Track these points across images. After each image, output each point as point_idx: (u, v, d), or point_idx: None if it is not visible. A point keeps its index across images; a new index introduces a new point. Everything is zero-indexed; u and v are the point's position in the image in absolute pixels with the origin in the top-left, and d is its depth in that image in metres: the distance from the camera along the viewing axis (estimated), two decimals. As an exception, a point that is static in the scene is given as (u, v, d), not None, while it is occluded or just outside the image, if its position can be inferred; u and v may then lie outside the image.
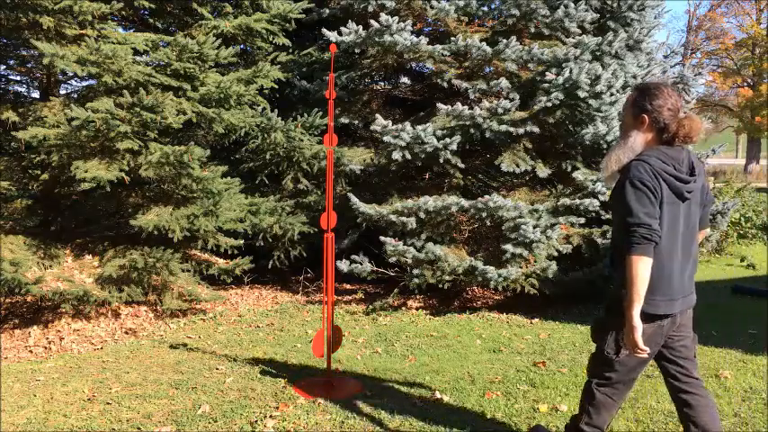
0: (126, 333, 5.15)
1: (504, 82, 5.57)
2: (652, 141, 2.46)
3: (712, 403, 2.61)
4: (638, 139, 2.46)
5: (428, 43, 5.69)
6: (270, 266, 6.33)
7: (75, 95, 5.56)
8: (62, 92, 5.78)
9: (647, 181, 2.33)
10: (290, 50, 6.51)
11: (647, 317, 2.39)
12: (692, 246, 2.49)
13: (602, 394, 2.60)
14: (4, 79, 5.82)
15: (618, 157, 2.46)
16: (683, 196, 2.40)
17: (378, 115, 5.72)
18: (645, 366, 2.60)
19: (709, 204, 2.63)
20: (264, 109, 5.90)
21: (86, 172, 4.74)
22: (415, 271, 5.45)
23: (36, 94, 5.83)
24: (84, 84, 5.68)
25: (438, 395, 3.61)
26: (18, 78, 5.84)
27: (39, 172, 5.25)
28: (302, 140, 5.92)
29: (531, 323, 5.38)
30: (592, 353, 2.67)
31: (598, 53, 5.66)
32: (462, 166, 5.83)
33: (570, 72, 5.32)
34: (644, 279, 2.32)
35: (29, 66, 5.61)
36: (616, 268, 2.50)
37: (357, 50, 6.04)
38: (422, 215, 5.48)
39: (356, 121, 6.45)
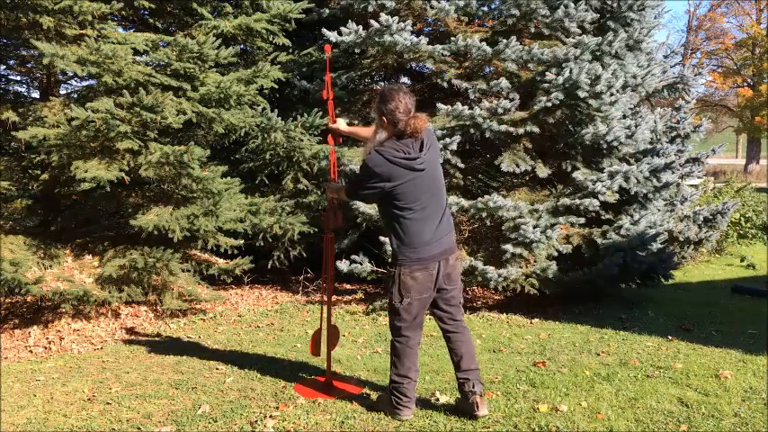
0: (126, 333, 5.15)
1: (504, 82, 5.57)
2: (391, 135, 3.18)
3: (469, 339, 3.39)
4: (383, 135, 3.20)
5: (428, 43, 5.69)
6: (270, 266, 6.33)
7: (75, 95, 5.55)
8: (62, 92, 5.78)
9: (375, 166, 3.12)
10: (290, 50, 6.50)
11: (416, 261, 3.16)
12: (441, 198, 3.25)
13: (400, 344, 3.28)
14: (4, 79, 5.82)
15: (370, 147, 3.23)
16: (416, 168, 3.12)
17: (378, 115, 5.71)
18: (424, 311, 3.31)
19: None
20: (264, 109, 5.89)
21: (86, 172, 4.74)
22: (415, 271, 5.44)
23: (36, 94, 5.83)
24: (85, 84, 5.68)
25: (438, 395, 3.60)
26: (18, 78, 5.84)
27: (39, 172, 5.25)
28: (302, 140, 5.92)
29: (531, 323, 5.38)
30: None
31: (598, 53, 5.66)
32: (462, 165, 5.83)
33: (570, 72, 5.32)
34: (341, 198, 3.58)
35: (29, 66, 5.60)
36: (385, 231, 3.35)
37: (357, 50, 6.04)
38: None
39: (356, 122, 6.44)
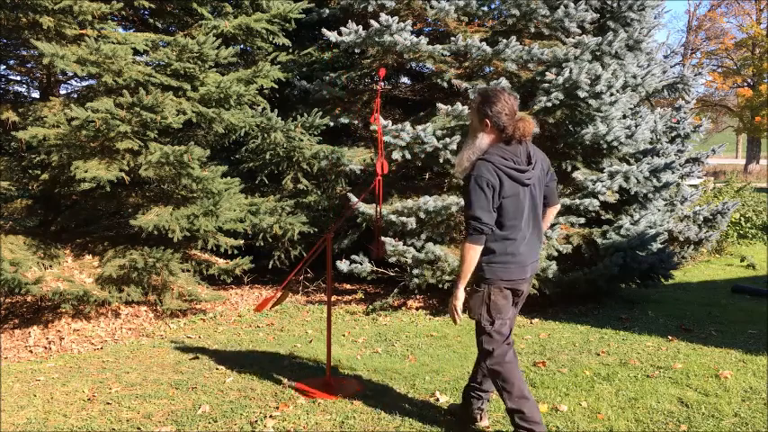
0: (126, 333, 5.15)
1: (504, 82, 5.57)
2: (495, 140, 2.86)
3: None
4: (485, 140, 2.86)
5: (428, 43, 5.69)
6: (270, 266, 6.33)
7: (76, 95, 5.56)
8: (62, 92, 5.78)
9: (488, 179, 2.76)
10: (290, 50, 6.51)
11: (507, 281, 2.87)
12: (538, 220, 2.97)
13: (498, 365, 2.91)
14: (4, 79, 5.82)
15: (468, 155, 2.87)
16: (524, 182, 2.84)
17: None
18: (512, 323, 3.00)
19: (552, 182, 3.13)
20: (264, 109, 5.90)
21: (86, 172, 4.75)
22: (415, 271, 5.45)
23: (36, 94, 5.83)
24: (84, 84, 5.69)
25: (438, 395, 3.61)
26: (18, 78, 5.85)
27: (39, 172, 5.25)
28: (302, 140, 5.92)
29: (531, 323, 5.38)
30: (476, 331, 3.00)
31: (598, 53, 5.66)
32: (462, 166, 5.83)
33: (570, 72, 5.32)
34: (472, 262, 2.82)
35: (29, 66, 5.61)
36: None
37: (357, 50, 6.04)
38: (422, 215, 5.47)
39: (356, 121, 6.45)
